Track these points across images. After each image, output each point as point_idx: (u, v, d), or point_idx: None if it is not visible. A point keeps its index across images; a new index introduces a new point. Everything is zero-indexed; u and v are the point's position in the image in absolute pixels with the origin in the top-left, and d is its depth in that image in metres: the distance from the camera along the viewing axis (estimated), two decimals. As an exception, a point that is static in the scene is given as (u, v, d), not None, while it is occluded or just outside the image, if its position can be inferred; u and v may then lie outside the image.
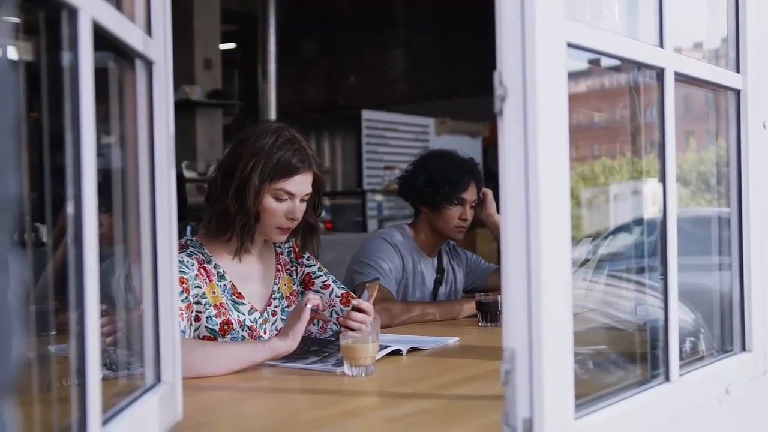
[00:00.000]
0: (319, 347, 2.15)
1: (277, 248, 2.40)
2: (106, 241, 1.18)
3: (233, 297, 2.23)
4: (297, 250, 2.43)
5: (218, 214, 2.20)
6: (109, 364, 1.41)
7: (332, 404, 1.69)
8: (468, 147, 7.36)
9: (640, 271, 1.91)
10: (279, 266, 2.39)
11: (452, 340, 2.37)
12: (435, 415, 1.58)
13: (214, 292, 2.18)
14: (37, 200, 1.28)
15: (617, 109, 2.06)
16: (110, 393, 1.23)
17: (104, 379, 1.07)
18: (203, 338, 2.15)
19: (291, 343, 1.98)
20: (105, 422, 1.07)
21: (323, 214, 7.91)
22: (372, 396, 1.77)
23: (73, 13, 0.95)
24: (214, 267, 2.22)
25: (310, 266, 2.44)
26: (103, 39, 1.07)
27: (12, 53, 0.66)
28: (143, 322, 1.34)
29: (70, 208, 0.99)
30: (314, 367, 1.95)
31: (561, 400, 1.21)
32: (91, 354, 0.99)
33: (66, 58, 0.97)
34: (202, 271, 2.18)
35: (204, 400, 1.71)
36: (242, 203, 2.16)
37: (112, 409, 1.15)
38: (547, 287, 1.17)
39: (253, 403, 1.74)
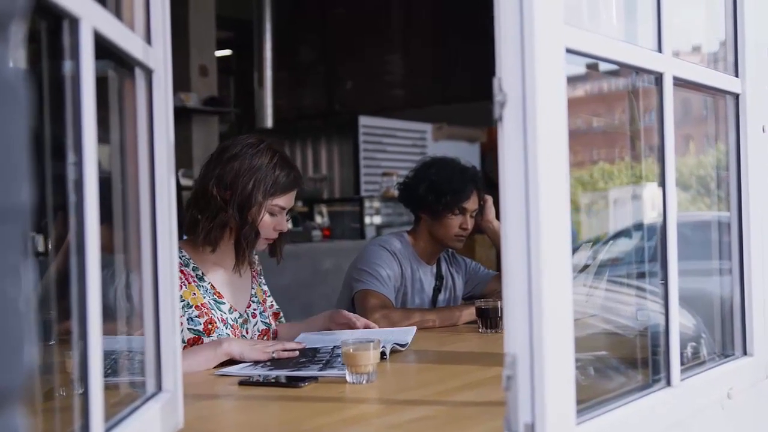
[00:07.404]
0: (310, 358, 2.13)
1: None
2: (105, 249, 1.18)
3: (214, 296, 2.31)
4: (259, 269, 2.55)
5: (217, 226, 2.27)
6: (109, 371, 1.40)
7: (334, 411, 1.69)
8: (466, 153, 7.36)
9: (640, 276, 1.91)
10: (254, 274, 2.50)
11: (410, 331, 2.44)
12: (437, 422, 1.58)
13: (194, 294, 2.27)
14: (34, 209, 1.28)
15: (615, 114, 2.06)
16: (111, 401, 1.22)
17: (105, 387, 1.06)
18: (189, 341, 2.20)
19: (240, 347, 2.10)
20: (107, 431, 1.07)
21: (321, 221, 7.88)
22: (374, 403, 1.77)
23: (74, 22, 0.95)
24: (193, 270, 2.31)
25: (265, 284, 2.56)
26: (103, 47, 1.07)
27: (24, 63, 0.66)
28: (144, 331, 1.34)
29: (71, 217, 0.99)
30: (327, 373, 1.94)
31: (562, 405, 1.21)
32: (94, 363, 0.99)
33: (67, 66, 0.96)
34: (180, 274, 2.22)
35: (204, 409, 1.71)
36: (245, 219, 2.27)
37: (114, 417, 1.14)
38: (547, 292, 1.17)
39: (254, 412, 1.74)
